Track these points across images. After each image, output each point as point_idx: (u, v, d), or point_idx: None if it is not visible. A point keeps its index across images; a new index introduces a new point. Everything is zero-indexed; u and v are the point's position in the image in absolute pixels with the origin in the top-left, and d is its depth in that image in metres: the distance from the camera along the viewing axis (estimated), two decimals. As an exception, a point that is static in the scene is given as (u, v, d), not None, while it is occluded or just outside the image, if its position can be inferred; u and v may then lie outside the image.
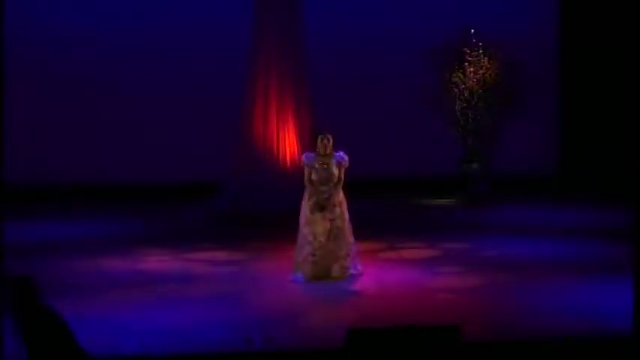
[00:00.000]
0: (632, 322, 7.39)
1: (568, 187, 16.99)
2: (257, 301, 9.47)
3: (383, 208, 15.25)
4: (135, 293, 9.70)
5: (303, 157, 10.40)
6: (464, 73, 16.17)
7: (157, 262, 11.33)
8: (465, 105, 16.27)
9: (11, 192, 12.63)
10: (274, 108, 15.51)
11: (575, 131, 17.38)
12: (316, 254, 10.22)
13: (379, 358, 5.91)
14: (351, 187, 10.59)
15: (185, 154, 16.47)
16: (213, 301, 9.41)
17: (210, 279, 10.45)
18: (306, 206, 10.27)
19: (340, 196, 10.33)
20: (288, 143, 15.47)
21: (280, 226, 11.95)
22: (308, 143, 14.68)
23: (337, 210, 10.28)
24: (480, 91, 16.21)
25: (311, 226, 10.23)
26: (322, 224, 10.24)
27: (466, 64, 16.14)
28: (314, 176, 10.22)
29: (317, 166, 10.21)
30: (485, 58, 16.13)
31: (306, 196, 10.31)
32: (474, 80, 16.18)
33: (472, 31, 15.97)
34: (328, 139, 10.20)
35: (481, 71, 16.17)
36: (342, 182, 10.30)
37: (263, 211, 14.18)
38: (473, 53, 16.10)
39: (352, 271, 10.39)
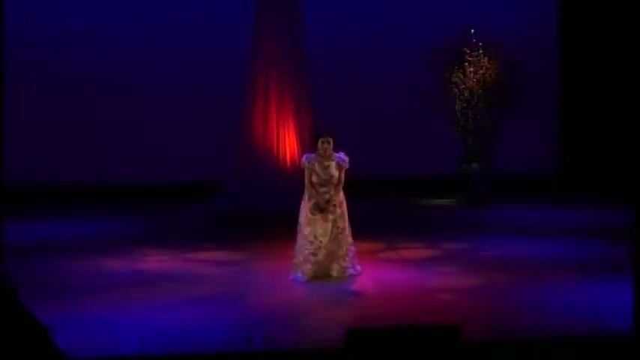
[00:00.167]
0: (632, 322, 7.39)
1: (568, 187, 16.99)
2: (257, 301, 9.46)
3: (383, 208, 15.25)
4: (135, 293, 9.70)
5: (304, 158, 10.40)
6: (464, 73, 16.17)
7: (157, 262, 11.33)
8: (465, 105, 16.27)
9: (11, 192, 12.67)
10: (274, 108, 15.51)
11: (575, 131, 17.38)
12: (316, 254, 10.22)
13: (379, 358, 5.90)
14: (351, 187, 10.59)
15: (185, 154, 16.47)
16: (213, 301, 9.40)
17: (210, 279, 10.45)
18: (306, 206, 10.27)
19: (341, 196, 10.34)
20: (288, 143, 15.47)
21: (280, 226, 11.94)
22: (308, 143, 14.69)
23: (338, 210, 10.29)
24: (480, 91, 16.22)
25: (311, 226, 10.23)
26: (323, 224, 10.25)
27: (466, 64, 16.15)
28: (314, 178, 10.22)
29: (317, 167, 10.21)
30: (485, 58, 16.14)
31: (306, 196, 10.31)
32: (474, 80, 16.18)
33: (472, 31, 15.98)
34: (329, 142, 10.20)
35: (481, 71, 16.17)
36: (342, 183, 10.30)
37: (263, 211, 14.17)
38: (473, 53, 16.11)
39: (351, 271, 10.39)
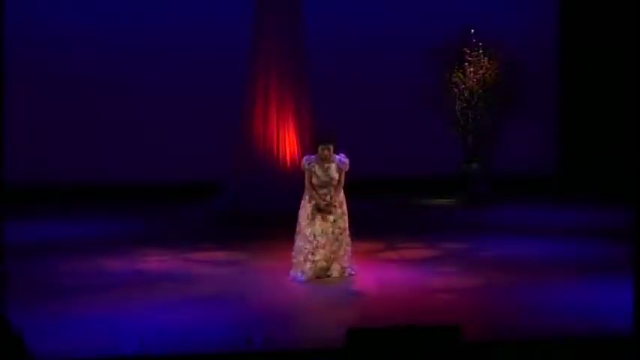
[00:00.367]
0: (632, 322, 7.39)
1: (568, 187, 16.99)
2: (257, 301, 9.46)
3: (383, 208, 15.25)
4: (135, 293, 9.69)
5: (304, 160, 10.39)
6: (464, 73, 16.18)
7: (157, 262, 11.33)
8: (465, 105, 16.27)
9: (11, 192, 12.65)
10: (274, 108, 15.50)
11: (575, 131, 17.38)
12: (317, 254, 10.22)
13: (379, 358, 5.90)
14: (351, 187, 10.59)
15: (185, 154, 16.47)
16: (213, 301, 9.40)
17: (210, 279, 10.45)
18: (307, 207, 10.27)
19: (341, 196, 10.34)
20: (288, 143, 15.47)
21: (280, 226, 11.94)
22: (308, 143, 14.71)
23: (338, 210, 10.29)
24: (480, 91, 16.22)
25: (312, 226, 10.24)
26: (323, 225, 10.25)
27: (466, 64, 16.15)
28: (314, 180, 10.23)
29: (317, 169, 10.21)
30: (485, 58, 16.14)
31: (306, 197, 10.31)
32: (474, 80, 16.19)
33: (472, 31, 15.98)
34: (329, 150, 10.20)
35: (481, 71, 16.17)
36: (342, 184, 10.31)
37: (263, 211, 14.17)
38: (473, 53, 16.11)
39: (350, 270, 10.40)
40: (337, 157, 10.25)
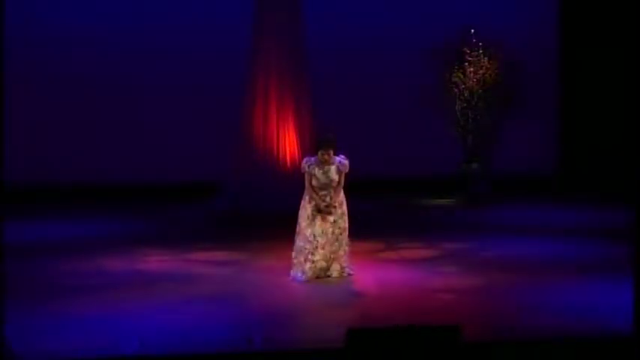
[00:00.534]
0: (632, 322, 7.39)
1: (568, 187, 17.00)
2: (257, 301, 9.46)
3: (383, 208, 15.25)
4: (135, 293, 9.69)
5: (304, 162, 10.38)
6: (464, 73, 16.18)
7: (157, 262, 11.32)
8: (465, 105, 16.28)
9: (11, 192, 12.62)
10: (274, 108, 15.51)
11: (575, 131, 17.39)
12: (316, 254, 10.23)
13: (379, 358, 5.91)
14: (351, 187, 10.59)
15: (185, 154, 16.47)
16: (213, 301, 9.40)
17: (210, 279, 10.44)
18: (307, 207, 10.27)
19: (341, 196, 10.34)
20: (288, 143, 15.47)
21: (280, 226, 11.94)
22: (308, 143, 14.71)
23: (339, 210, 10.30)
24: (480, 91, 16.23)
25: (312, 227, 10.24)
26: (323, 225, 10.25)
27: (466, 64, 16.15)
28: (314, 182, 10.22)
29: (317, 172, 10.21)
30: (485, 58, 16.15)
31: (306, 197, 10.31)
32: (474, 80, 16.19)
33: (472, 31, 15.99)
34: (329, 154, 10.20)
35: (481, 71, 16.18)
36: (342, 185, 10.31)
37: (263, 211, 14.17)
38: (473, 53, 16.12)
39: (348, 270, 10.40)
40: (337, 158, 10.25)
